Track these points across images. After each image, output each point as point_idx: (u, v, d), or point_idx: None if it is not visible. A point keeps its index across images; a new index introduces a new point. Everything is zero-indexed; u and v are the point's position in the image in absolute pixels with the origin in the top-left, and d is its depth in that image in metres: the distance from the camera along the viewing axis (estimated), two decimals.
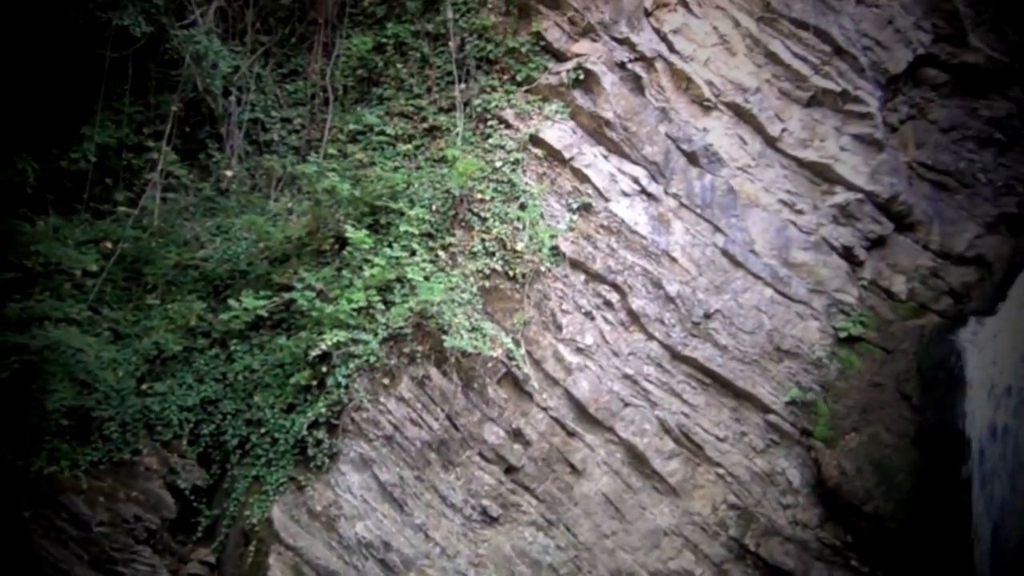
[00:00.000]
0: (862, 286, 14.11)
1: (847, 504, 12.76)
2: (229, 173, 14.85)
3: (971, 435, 12.48)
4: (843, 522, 12.96)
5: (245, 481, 11.82)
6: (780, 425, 13.25)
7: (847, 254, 14.13)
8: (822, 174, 14.40)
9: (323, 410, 11.72)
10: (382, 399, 12.08)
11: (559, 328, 13.15)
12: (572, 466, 12.87)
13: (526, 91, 14.36)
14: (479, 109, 14.43)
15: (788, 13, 14.65)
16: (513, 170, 13.66)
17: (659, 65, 14.37)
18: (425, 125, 14.91)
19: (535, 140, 13.87)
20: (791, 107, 14.60)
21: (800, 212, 14.25)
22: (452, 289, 12.57)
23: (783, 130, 14.43)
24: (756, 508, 13.06)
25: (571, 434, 12.96)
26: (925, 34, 15.27)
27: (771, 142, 14.43)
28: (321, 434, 11.72)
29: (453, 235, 13.38)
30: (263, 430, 11.96)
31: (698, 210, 13.97)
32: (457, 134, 14.16)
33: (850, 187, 14.28)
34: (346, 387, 11.83)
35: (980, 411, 12.57)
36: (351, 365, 11.85)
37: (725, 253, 13.81)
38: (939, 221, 14.67)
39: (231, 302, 12.20)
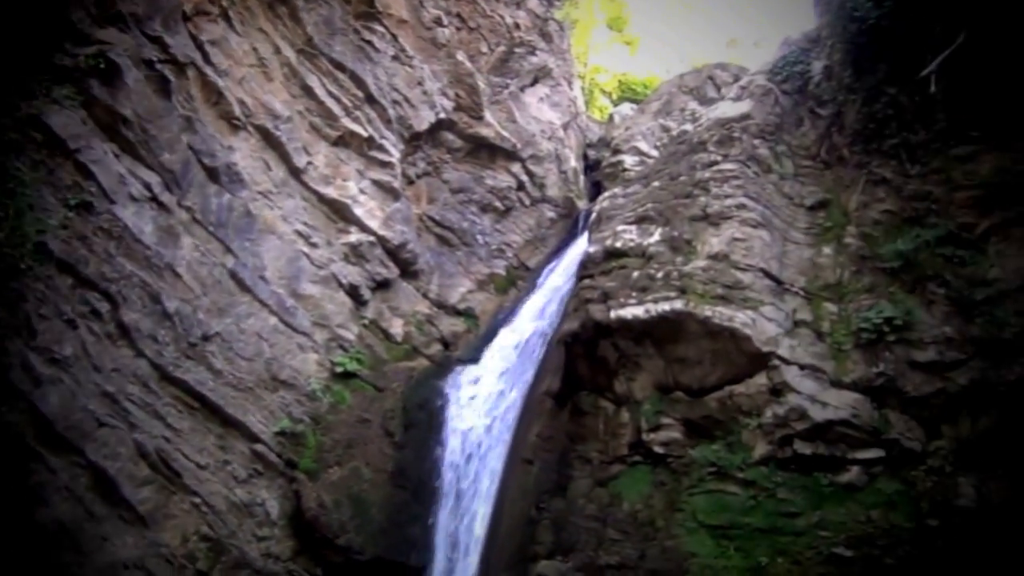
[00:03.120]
0: (363, 325, 15.57)
1: (322, 537, 13.74)
2: None
3: (444, 467, 14.59)
4: (315, 555, 13.87)
5: None
6: (266, 455, 13.90)
7: (353, 292, 15.51)
8: (340, 212, 15.70)
9: None
10: None
11: (32, 334, 12.43)
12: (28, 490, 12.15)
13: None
14: None
15: (329, 52, 15.89)
16: (5, 151, 12.75)
17: (191, 73, 14.49)
18: None
19: (34, 122, 13.10)
20: (319, 143, 15.75)
21: (315, 246, 15.32)
22: None
23: (309, 163, 15.47)
24: (229, 540, 13.39)
25: (30, 455, 12.23)
26: (448, 101, 17.63)
27: (295, 173, 15.36)
28: None
29: None
30: None
31: (211, 228, 14.25)
32: None
33: (364, 229, 15.78)
34: None
35: (453, 446, 14.77)
36: None
37: (234, 276, 14.25)
38: (440, 273, 16.87)
39: None
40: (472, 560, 14.07)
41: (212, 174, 14.44)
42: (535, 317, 16.59)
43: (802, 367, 12.68)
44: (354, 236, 15.72)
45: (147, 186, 13.74)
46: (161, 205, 13.84)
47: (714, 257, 13.38)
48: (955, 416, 12.37)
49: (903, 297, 12.77)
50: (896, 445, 12.20)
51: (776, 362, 12.62)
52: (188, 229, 14.05)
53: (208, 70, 14.64)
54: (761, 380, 12.72)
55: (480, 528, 14.28)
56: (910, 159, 13.67)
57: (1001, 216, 12.78)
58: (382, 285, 16.02)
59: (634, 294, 13.36)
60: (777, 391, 12.60)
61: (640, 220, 14.47)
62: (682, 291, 12.98)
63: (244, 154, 14.85)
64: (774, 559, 11.80)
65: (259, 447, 13.90)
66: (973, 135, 13.07)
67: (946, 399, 12.31)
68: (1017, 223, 12.75)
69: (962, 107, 12.79)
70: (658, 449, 13.31)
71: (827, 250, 13.93)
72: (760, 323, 12.72)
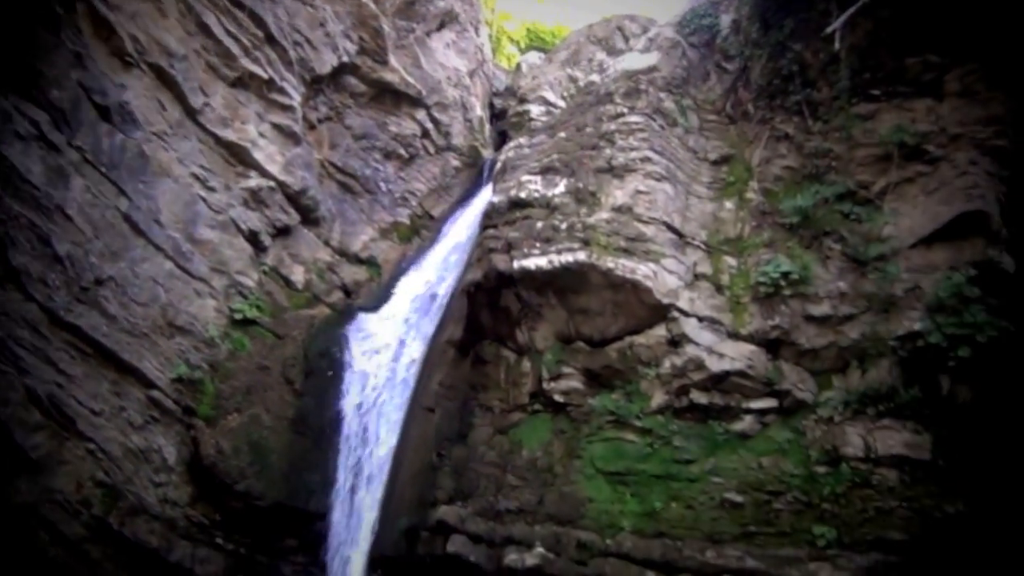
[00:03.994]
0: (263, 271, 15.55)
1: (221, 483, 13.85)
2: None
3: (345, 414, 14.87)
4: (214, 501, 13.99)
5: None
6: (163, 402, 13.88)
7: (253, 238, 15.45)
8: (239, 156, 15.54)
9: None
10: None
11: None
12: None
13: None
14: None
15: None
16: None
17: (80, 7, 13.94)
18: None
19: None
20: (217, 83, 15.48)
21: (212, 190, 15.17)
22: None
23: (205, 104, 15.23)
24: (126, 486, 13.40)
25: None
26: (351, 44, 17.52)
27: (192, 114, 15.10)
28: None
29: None
30: None
31: (104, 169, 13.94)
32: None
33: (264, 174, 15.68)
34: None
35: (354, 393, 15.05)
36: None
37: (127, 219, 14.03)
38: (342, 220, 16.92)
39: None
40: (373, 505, 14.40)
41: (104, 113, 14.10)
42: (439, 266, 16.82)
43: (701, 319, 13.29)
44: (253, 181, 15.62)
45: (35, 124, 13.33)
46: (50, 144, 13.46)
47: (618, 209, 13.78)
48: (845, 368, 13.23)
49: (800, 252, 13.43)
50: (788, 395, 12.90)
51: (676, 314, 13.17)
52: (79, 169, 13.73)
53: (98, 3, 14.18)
54: (661, 331, 13.26)
55: (381, 475, 14.60)
56: (812, 116, 14.31)
57: (898, 175, 13.56)
58: (282, 232, 16.01)
59: (538, 245, 13.67)
60: (676, 342, 13.16)
61: (545, 171, 14.76)
62: (586, 243, 13.34)
63: (137, 93, 14.52)
64: (668, 504, 12.41)
65: (155, 393, 13.87)
66: (874, 94, 13.77)
67: (837, 352, 13.09)
68: (912, 182, 13.58)
69: (865, 65, 13.42)
70: (558, 398, 13.80)
71: (729, 205, 14.51)
72: (661, 275, 13.22)
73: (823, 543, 11.57)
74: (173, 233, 14.45)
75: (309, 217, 16.45)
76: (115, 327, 13.56)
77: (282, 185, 15.89)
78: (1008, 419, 12.25)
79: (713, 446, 12.86)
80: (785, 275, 13.09)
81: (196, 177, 14.96)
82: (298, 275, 16.06)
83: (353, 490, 14.34)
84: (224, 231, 15.09)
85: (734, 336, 13.27)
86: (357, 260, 16.94)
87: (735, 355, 13.02)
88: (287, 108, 16.13)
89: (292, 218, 16.08)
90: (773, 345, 13.25)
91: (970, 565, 10.61)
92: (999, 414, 12.32)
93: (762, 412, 13.03)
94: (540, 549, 12.49)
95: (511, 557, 12.51)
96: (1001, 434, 12.10)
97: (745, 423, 13.02)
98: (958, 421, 12.15)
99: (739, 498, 12.21)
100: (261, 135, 15.78)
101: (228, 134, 15.40)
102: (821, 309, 13.16)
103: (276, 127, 15.98)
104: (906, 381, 12.40)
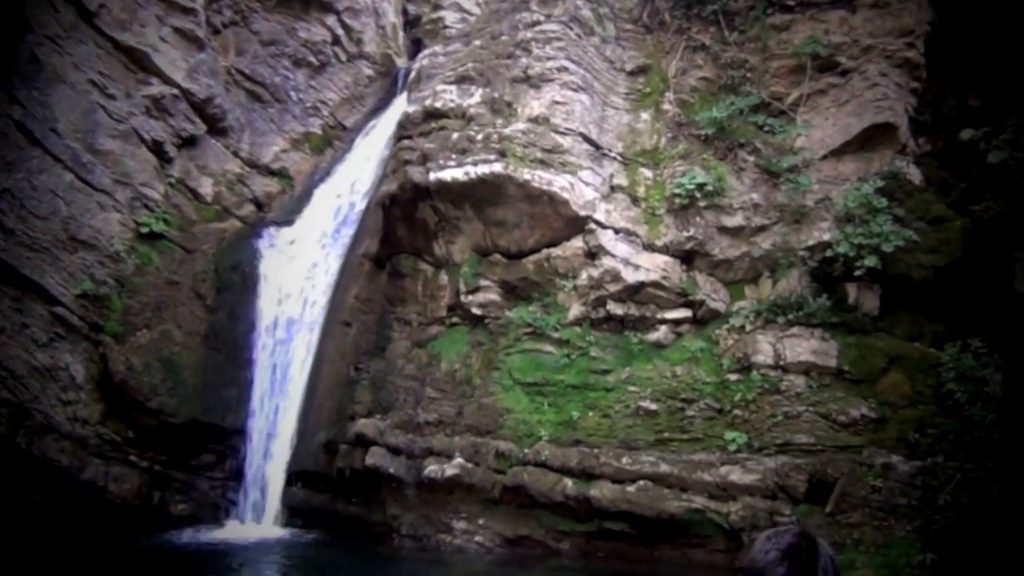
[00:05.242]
0: (169, 184, 15.19)
1: (132, 400, 13.70)
2: None
3: (260, 330, 14.91)
4: (126, 418, 13.85)
5: None
6: (68, 318, 13.58)
7: (157, 149, 15.02)
8: (139, 62, 14.98)
9: None
10: None
11: None
12: None
13: None
14: None
15: None
16: None
17: None
18: None
19: None
20: None
21: (112, 97, 14.62)
22: None
23: (101, 6, 14.46)
24: (32, 405, 13.12)
25: None
26: None
27: (87, 16, 14.34)
28: None
29: None
30: None
31: None
32: None
33: (166, 80, 15.16)
34: None
35: (268, 308, 15.06)
36: None
37: (21, 128, 13.39)
38: (251, 131, 16.58)
39: None
40: (290, 420, 14.58)
41: None
42: (353, 178, 16.76)
43: (617, 231, 13.61)
44: (156, 88, 15.13)
45: None
46: None
47: (534, 120, 13.87)
48: (757, 278, 13.82)
49: (715, 164, 13.80)
50: (702, 305, 13.45)
51: (592, 226, 13.45)
52: None
53: None
54: (577, 243, 13.56)
55: (298, 390, 14.73)
56: (729, 26, 14.57)
57: (811, 86, 13.99)
58: (188, 142, 15.59)
59: (454, 156, 13.67)
60: (592, 254, 13.47)
61: (460, 80, 14.69)
62: (502, 154, 13.39)
63: None
64: (585, 413, 12.89)
65: (60, 310, 13.54)
66: (789, 4, 14.08)
67: (750, 262, 13.66)
68: (825, 94, 14.04)
69: None
70: (476, 311, 14.06)
71: (645, 116, 14.75)
72: (578, 187, 13.43)
73: (734, 447, 12.28)
74: (71, 143, 13.96)
75: (216, 127, 16.06)
76: (13, 241, 13.14)
77: (186, 93, 15.45)
78: (911, 327, 13.10)
79: (629, 356, 13.36)
80: (700, 187, 13.48)
81: (94, 84, 14.41)
82: (206, 187, 15.76)
83: (270, 405, 14.45)
84: (126, 141, 14.65)
85: (649, 248, 13.66)
86: (268, 172, 16.69)
87: (650, 266, 13.45)
88: (189, 11, 15.57)
89: (198, 128, 15.68)
90: (688, 256, 13.71)
91: (872, 467, 11.33)
92: (902, 322, 13.17)
93: (676, 322, 13.56)
94: (459, 460, 12.87)
95: (431, 468, 12.86)
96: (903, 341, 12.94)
97: (660, 333, 13.52)
98: (863, 329, 12.94)
99: (654, 406, 12.76)
100: (162, 39, 15.22)
101: (127, 38, 14.82)
102: (735, 220, 13.66)
103: (178, 31, 15.44)
104: (815, 291, 13.11)
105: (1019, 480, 10.52)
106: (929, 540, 10.51)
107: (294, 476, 14.41)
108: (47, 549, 12.19)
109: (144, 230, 14.58)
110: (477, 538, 12.92)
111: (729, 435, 12.42)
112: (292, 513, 14.36)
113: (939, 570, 10.11)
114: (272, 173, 16.70)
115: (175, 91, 15.27)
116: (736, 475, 11.86)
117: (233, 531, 13.79)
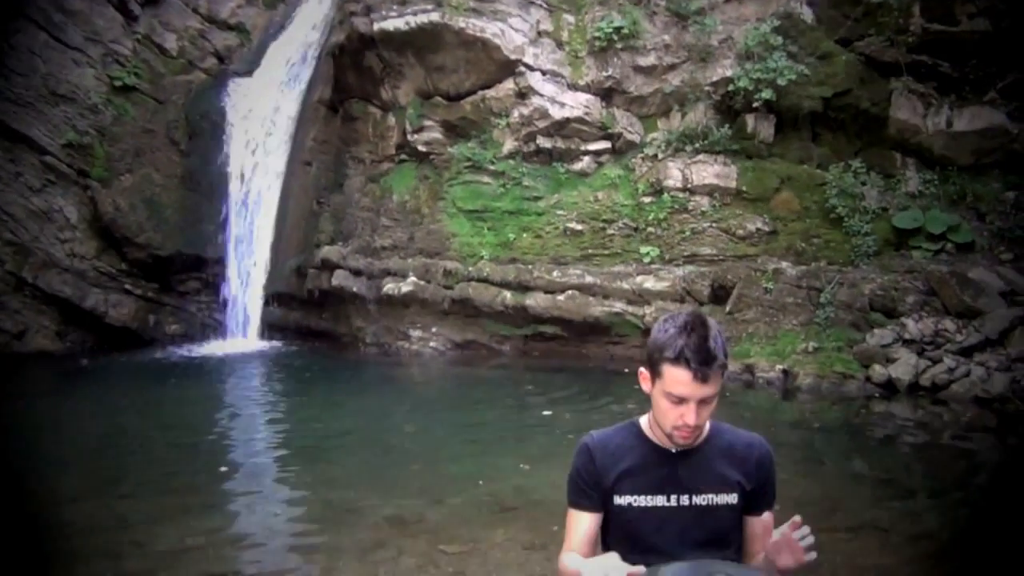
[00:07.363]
0: (137, 40, 16.00)
1: (122, 236, 15.12)
2: None
3: (231, 170, 16.03)
4: (119, 253, 15.35)
5: None
6: (57, 166, 14.78)
7: (122, 7, 15.66)
8: None
9: None
10: None
11: None
12: None
13: None
14: None
15: None
16: None
17: None
18: None
19: None
20: None
21: None
22: None
23: None
24: (33, 244, 14.62)
25: None
26: None
27: None
28: None
29: None
30: None
31: None
32: None
33: None
34: None
35: (236, 151, 16.15)
36: None
37: None
38: None
39: None
40: (263, 249, 15.95)
41: None
42: (305, 29, 17.49)
43: (544, 72, 14.44)
44: None
45: None
46: None
47: None
48: (668, 112, 14.95)
49: (631, 9, 14.48)
50: (620, 138, 14.48)
51: (522, 69, 14.29)
52: None
53: None
54: (509, 85, 14.44)
55: (268, 223, 15.98)
56: None
57: None
58: (151, 1, 16.38)
59: (395, 7, 14.33)
60: (523, 94, 14.36)
61: None
62: (439, 4, 14.09)
63: None
64: (520, 235, 14.12)
65: (48, 159, 14.71)
66: None
67: (662, 98, 14.67)
68: None
69: None
70: (422, 148, 15.06)
71: None
72: (508, 33, 14.19)
73: (648, 260, 13.57)
74: (43, 5, 14.73)
75: None
76: (1, 99, 14.19)
77: None
78: (801, 151, 14.42)
79: (557, 184, 14.45)
80: (617, 30, 14.31)
81: None
82: (171, 43, 16.56)
83: (245, 238, 15.77)
84: (92, 0, 15.43)
85: (573, 87, 14.57)
86: (227, 26, 17.37)
87: (574, 104, 14.39)
88: None
89: None
90: (607, 94, 14.67)
91: (765, 272, 12.47)
92: (793, 147, 14.52)
93: (598, 153, 14.62)
94: (413, 278, 14.20)
95: (388, 286, 14.22)
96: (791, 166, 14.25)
97: (584, 163, 14.61)
98: (760, 154, 14.27)
99: (579, 227, 13.99)
100: None
101: None
102: (648, 60, 14.64)
103: None
104: (718, 121, 14.05)
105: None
106: (811, 331, 11.58)
107: (271, 297, 15.88)
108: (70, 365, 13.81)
109: (118, 83, 15.50)
110: (431, 344, 14.42)
111: (644, 249, 13.65)
112: (271, 329, 15.89)
113: (817, 353, 11.29)
114: (230, 27, 17.40)
115: None
116: (650, 283, 13.15)
117: (222, 345, 15.26)
